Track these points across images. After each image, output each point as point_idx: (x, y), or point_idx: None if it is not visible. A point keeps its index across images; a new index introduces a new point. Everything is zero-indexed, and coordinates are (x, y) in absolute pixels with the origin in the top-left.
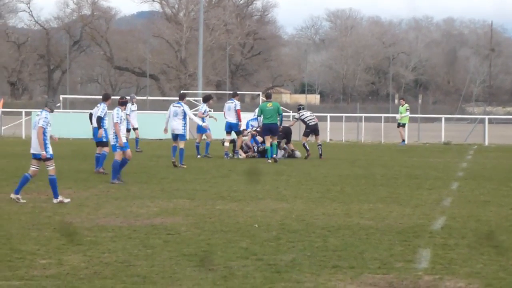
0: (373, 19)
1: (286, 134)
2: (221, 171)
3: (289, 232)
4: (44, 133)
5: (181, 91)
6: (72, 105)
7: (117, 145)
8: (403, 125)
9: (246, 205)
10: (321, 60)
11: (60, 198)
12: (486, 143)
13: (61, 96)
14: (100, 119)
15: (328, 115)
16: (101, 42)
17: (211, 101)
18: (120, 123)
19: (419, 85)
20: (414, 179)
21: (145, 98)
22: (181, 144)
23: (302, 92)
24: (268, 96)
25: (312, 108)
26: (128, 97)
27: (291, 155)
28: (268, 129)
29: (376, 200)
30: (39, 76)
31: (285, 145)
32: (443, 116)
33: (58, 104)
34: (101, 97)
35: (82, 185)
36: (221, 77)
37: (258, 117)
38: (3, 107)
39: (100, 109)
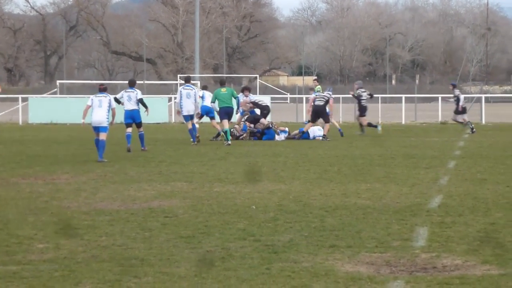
0: (369, 0)
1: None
2: (219, 153)
3: (286, 213)
4: None
5: (186, 75)
6: (69, 90)
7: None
8: None
9: (244, 187)
10: (318, 42)
11: None
12: (483, 121)
13: (58, 82)
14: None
15: None
16: (98, 27)
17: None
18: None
19: (416, 65)
20: (411, 159)
21: (142, 82)
22: (193, 121)
23: (300, 74)
24: (222, 83)
25: (309, 90)
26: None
27: (290, 137)
28: (225, 113)
29: (373, 180)
30: (36, 62)
31: (286, 128)
32: (440, 96)
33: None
34: (97, 82)
35: (79, 169)
36: (218, 60)
37: (212, 103)
38: (0, 93)
39: (138, 93)
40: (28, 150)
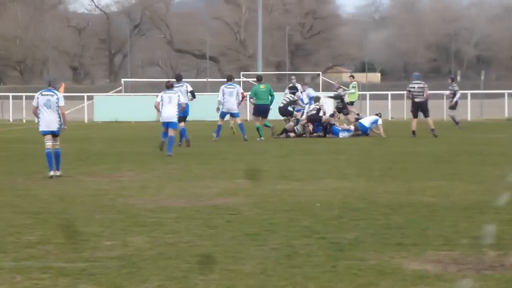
0: None
1: None
2: (282, 151)
3: (351, 211)
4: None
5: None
6: (133, 88)
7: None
8: (351, 103)
9: (308, 184)
10: (381, 38)
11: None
12: None
13: (123, 80)
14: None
15: (390, 93)
16: (161, 25)
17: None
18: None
19: (481, 61)
20: (477, 156)
21: (205, 80)
22: (239, 120)
23: (363, 70)
24: (259, 79)
25: (373, 86)
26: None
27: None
28: (260, 110)
29: (438, 177)
30: (101, 61)
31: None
32: (506, 92)
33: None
34: (164, 80)
35: (145, 167)
36: (280, 57)
37: (251, 99)
38: (64, 91)
39: (188, 86)
40: (93, 148)
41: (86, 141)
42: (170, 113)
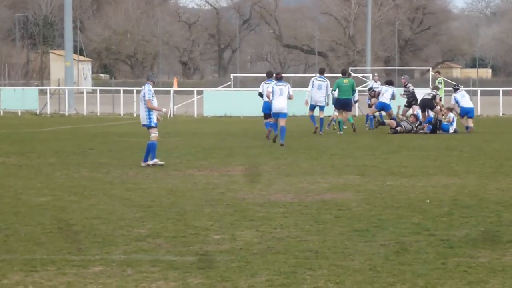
0: None
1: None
2: (391, 147)
3: (461, 208)
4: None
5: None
6: (242, 83)
7: None
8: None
9: (417, 181)
10: (493, 34)
11: (155, 160)
12: None
13: (232, 75)
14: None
15: (501, 89)
16: (270, 20)
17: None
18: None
19: None
20: None
21: (313, 75)
22: (322, 114)
23: (473, 66)
24: (344, 73)
25: (484, 82)
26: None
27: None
28: (342, 104)
29: None
30: (210, 56)
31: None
32: None
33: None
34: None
35: (253, 161)
36: (389, 53)
37: (333, 91)
38: (177, 86)
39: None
40: (203, 143)
41: (195, 136)
42: (281, 105)
